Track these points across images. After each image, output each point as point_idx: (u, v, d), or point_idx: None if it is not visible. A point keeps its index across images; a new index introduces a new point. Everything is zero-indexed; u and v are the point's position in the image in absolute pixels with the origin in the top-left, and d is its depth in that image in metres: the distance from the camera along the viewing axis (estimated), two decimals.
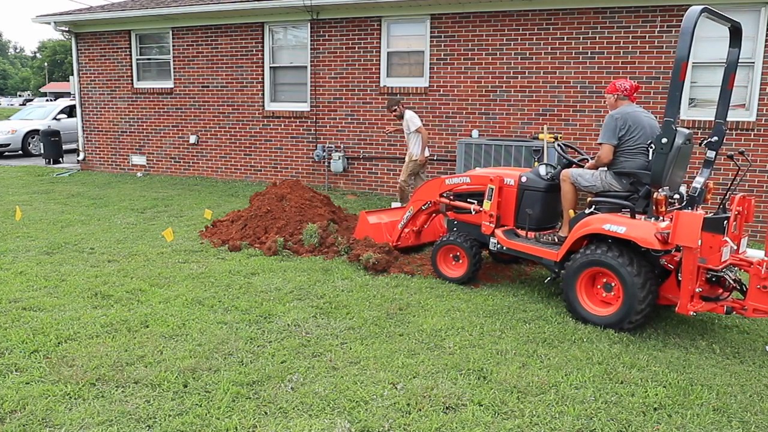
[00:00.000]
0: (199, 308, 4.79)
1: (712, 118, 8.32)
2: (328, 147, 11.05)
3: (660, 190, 4.51)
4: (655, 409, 3.40)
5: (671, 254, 4.61)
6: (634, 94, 5.03)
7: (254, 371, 3.69)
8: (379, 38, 10.39)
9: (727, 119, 4.84)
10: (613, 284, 4.59)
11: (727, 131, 8.32)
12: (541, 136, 8.38)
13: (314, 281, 5.56)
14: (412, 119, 8.50)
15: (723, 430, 3.22)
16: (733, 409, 3.42)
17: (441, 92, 10.03)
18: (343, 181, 11.09)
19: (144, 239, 7.09)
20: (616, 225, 4.50)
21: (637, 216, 4.60)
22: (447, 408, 3.34)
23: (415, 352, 4.06)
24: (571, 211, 5.12)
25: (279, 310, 4.79)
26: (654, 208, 4.51)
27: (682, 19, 8.44)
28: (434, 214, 6.52)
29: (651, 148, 4.61)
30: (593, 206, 4.92)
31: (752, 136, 8.32)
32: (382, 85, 10.40)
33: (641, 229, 4.38)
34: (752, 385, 3.74)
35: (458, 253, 5.69)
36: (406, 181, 8.75)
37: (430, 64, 10.05)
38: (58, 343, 4.04)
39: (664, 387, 3.65)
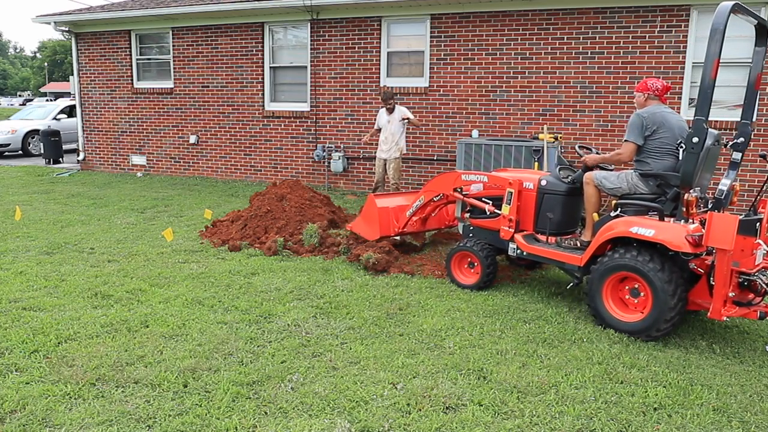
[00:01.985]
0: (199, 308, 4.79)
1: (720, 118, 8.37)
2: (328, 147, 11.05)
3: (691, 191, 4.36)
4: (655, 409, 3.40)
5: (701, 258, 4.40)
6: (665, 95, 4.86)
7: (254, 371, 3.69)
8: (379, 38, 10.39)
9: (739, 120, 4.71)
10: (640, 290, 4.41)
11: (723, 130, 8.34)
12: (541, 136, 8.39)
13: (314, 281, 5.56)
14: (406, 112, 8.57)
15: (723, 430, 3.22)
16: (733, 409, 3.42)
17: (441, 92, 10.03)
18: (343, 181, 11.09)
19: (144, 239, 7.09)
20: (644, 228, 4.31)
21: (666, 219, 4.45)
22: (447, 408, 3.34)
23: (415, 352, 4.06)
24: (595, 215, 4.96)
25: (279, 310, 4.79)
26: (684, 210, 4.34)
27: (682, 19, 8.50)
28: (443, 206, 6.38)
29: (681, 148, 4.46)
30: (619, 209, 4.76)
31: (752, 136, 8.30)
32: (382, 85, 10.40)
33: (671, 232, 4.21)
34: (752, 385, 3.74)
35: (473, 261, 5.54)
36: (398, 180, 8.78)
37: (430, 64, 10.05)
38: (58, 343, 4.04)
39: (664, 387, 3.65)
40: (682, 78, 8.60)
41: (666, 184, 4.58)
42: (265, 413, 3.24)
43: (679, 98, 8.63)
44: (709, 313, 4.15)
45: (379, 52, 10.42)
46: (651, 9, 8.59)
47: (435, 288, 5.50)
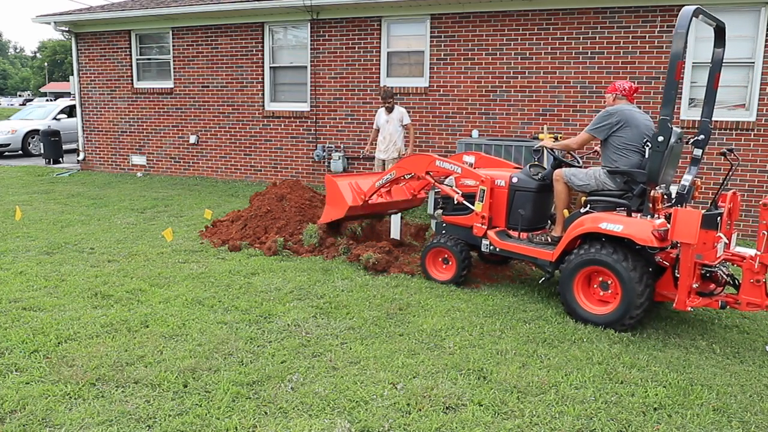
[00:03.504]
0: (199, 308, 4.79)
1: (720, 118, 8.36)
2: (328, 147, 11.05)
3: (657, 188, 4.55)
4: (655, 409, 3.40)
5: (666, 251, 4.65)
6: (633, 95, 5.05)
7: (254, 371, 3.69)
8: (379, 38, 10.39)
9: (721, 119, 4.92)
10: (610, 282, 4.61)
11: (722, 130, 8.34)
12: (541, 136, 8.38)
13: (314, 281, 5.56)
14: (405, 114, 8.56)
15: (723, 430, 3.22)
16: (733, 409, 3.42)
17: (441, 92, 10.03)
18: None
19: (144, 239, 7.09)
20: (613, 223, 4.51)
21: (633, 214, 4.63)
22: (447, 408, 3.34)
23: (415, 352, 4.06)
24: (566, 211, 5.13)
25: (279, 310, 4.79)
26: (650, 205, 4.55)
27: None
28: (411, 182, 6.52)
29: (647, 146, 4.65)
30: (588, 205, 4.93)
31: (752, 136, 8.31)
32: (382, 85, 10.39)
33: (638, 227, 4.41)
34: (752, 385, 3.74)
35: (447, 256, 5.66)
36: None
37: (430, 64, 10.05)
38: (58, 343, 4.04)
39: (664, 387, 3.65)
40: (682, 78, 8.59)
41: (632, 180, 4.73)
42: (265, 413, 3.24)
43: (679, 98, 8.62)
44: (674, 304, 4.34)
45: (379, 52, 10.42)
46: (651, 9, 8.59)
47: (435, 288, 5.50)
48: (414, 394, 3.45)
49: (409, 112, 9.08)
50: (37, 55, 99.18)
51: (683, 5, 8.85)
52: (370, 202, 6.43)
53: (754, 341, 4.51)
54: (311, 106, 11.13)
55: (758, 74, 8.18)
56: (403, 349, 4.10)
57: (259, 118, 11.68)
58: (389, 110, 8.53)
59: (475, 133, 9.78)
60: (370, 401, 3.37)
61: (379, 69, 10.46)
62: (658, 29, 8.60)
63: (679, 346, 4.34)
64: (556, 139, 8.57)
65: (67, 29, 13.21)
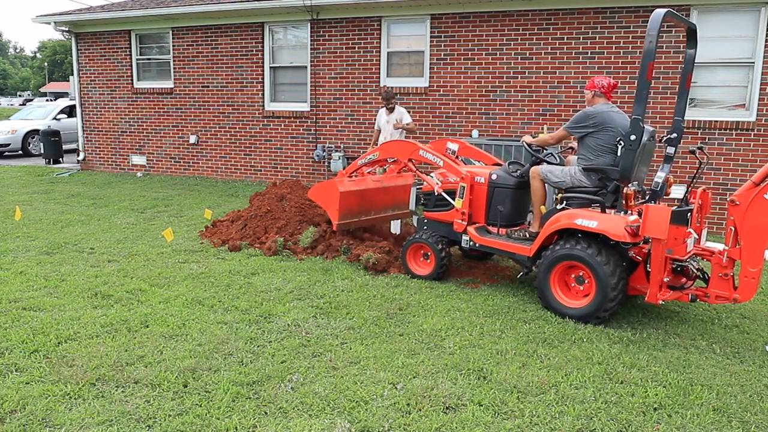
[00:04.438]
0: (199, 308, 4.79)
1: (712, 118, 8.38)
2: (328, 147, 11.05)
3: (630, 185, 4.65)
4: (655, 409, 3.40)
5: (639, 246, 4.79)
6: (611, 92, 5.12)
7: (254, 371, 3.69)
8: (379, 38, 10.39)
9: (686, 117, 5.02)
10: (584, 277, 4.72)
11: (722, 130, 8.35)
12: (541, 135, 8.38)
13: (314, 281, 5.56)
14: (405, 114, 8.55)
15: (723, 430, 3.22)
16: (733, 409, 3.42)
17: (441, 92, 10.03)
18: None
19: (144, 239, 7.09)
20: (588, 220, 4.64)
21: (607, 210, 4.76)
22: (447, 408, 3.34)
23: (415, 352, 4.06)
24: (543, 207, 5.22)
25: (279, 310, 4.79)
26: (624, 202, 4.67)
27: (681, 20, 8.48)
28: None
29: (620, 145, 4.74)
30: (564, 202, 5.04)
31: (752, 136, 8.32)
32: (382, 85, 10.39)
33: (612, 223, 4.54)
34: (752, 385, 3.74)
35: (427, 252, 5.74)
36: None
37: (430, 64, 10.05)
38: (58, 343, 4.04)
39: (664, 387, 3.65)
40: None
41: (606, 177, 4.82)
42: (265, 413, 3.24)
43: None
44: (646, 298, 4.48)
45: (379, 52, 10.42)
46: (651, 9, 8.58)
47: (435, 288, 5.50)
48: (414, 394, 3.45)
49: (409, 112, 9.08)
50: (37, 55, 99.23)
51: (683, 5, 8.84)
52: (352, 179, 6.56)
53: (754, 341, 4.51)
54: (311, 106, 11.13)
55: (758, 74, 8.19)
56: (403, 349, 4.10)
57: (259, 118, 11.68)
58: (390, 111, 8.52)
59: (475, 133, 9.78)
60: (370, 401, 3.37)
61: (379, 69, 10.46)
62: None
63: (679, 346, 4.34)
64: None
65: (67, 29, 13.21)
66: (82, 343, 4.03)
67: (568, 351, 4.15)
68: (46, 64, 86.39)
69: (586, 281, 4.73)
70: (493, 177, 5.51)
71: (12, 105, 53.27)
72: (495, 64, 9.60)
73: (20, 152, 17.17)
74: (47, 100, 37.91)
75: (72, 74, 13.89)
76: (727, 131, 8.39)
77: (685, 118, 8.64)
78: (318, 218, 7.01)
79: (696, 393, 3.58)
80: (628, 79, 8.84)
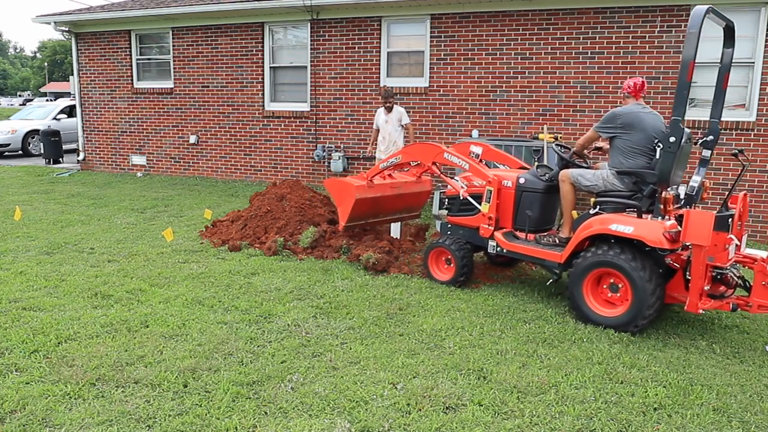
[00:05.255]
0: (199, 308, 4.78)
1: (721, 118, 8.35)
2: (328, 147, 11.05)
3: (669, 188, 4.49)
4: (655, 409, 3.40)
5: (677, 253, 4.60)
6: (641, 92, 4.96)
7: (254, 371, 3.69)
8: (379, 38, 10.39)
9: (722, 119, 4.86)
10: (620, 285, 4.55)
11: (722, 130, 8.34)
12: (541, 136, 8.39)
13: (314, 281, 5.56)
14: (404, 114, 8.56)
15: (723, 430, 3.22)
16: (733, 409, 3.42)
17: (441, 92, 10.03)
18: None
19: (144, 239, 7.09)
20: (623, 225, 4.46)
21: (643, 215, 4.58)
22: (447, 408, 3.34)
23: (415, 352, 4.06)
24: (575, 212, 5.07)
25: (279, 310, 4.79)
26: (661, 207, 4.48)
27: (682, 19, 8.49)
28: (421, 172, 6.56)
29: (659, 147, 4.56)
30: (597, 206, 4.87)
31: (752, 136, 8.32)
32: (382, 85, 10.39)
33: (649, 229, 4.36)
34: (752, 385, 3.74)
35: (449, 257, 5.61)
36: None
37: (430, 64, 10.05)
38: (58, 343, 4.04)
39: (664, 387, 3.65)
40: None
41: (642, 181, 4.68)
42: (265, 413, 3.24)
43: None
44: (686, 306, 4.31)
45: (379, 52, 10.42)
46: (651, 9, 8.59)
47: (435, 288, 5.50)
48: (414, 394, 3.45)
49: (409, 112, 9.08)
50: (37, 55, 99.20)
51: (683, 5, 8.85)
52: (375, 181, 6.39)
53: (754, 341, 4.51)
54: (311, 106, 11.13)
55: (758, 74, 8.19)
56: (403, 349, 4.10)
57: (259, 118, 11.68)
58: (389, 110, 8.51)
59: (475, 133, 9.78)
60: (370, 401, 3.37)
61: (379, 69, 10.46)
62: (658, 29, 8.60)
63: (679, 346, 4.34)
64: (556, 138, 8.58)
65: (67, 29, 13.21)
66: (82, 343, 4.03)
67: (568, 351, 4.15)
68: (46, 64, 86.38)
69: (620, 289, 4.55)
70: (521, 181, 5.35)
71: (12, 105, 53.28)
72: (495, 64, 9.60)
73: (20, 152, 17.17)
74: (47, 100, 37.92)
75: (72, 74, 13.88)
76: (727, 131, 8.39)
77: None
78: (318, 218, 7.01)
79: (696, 393, 3.58)
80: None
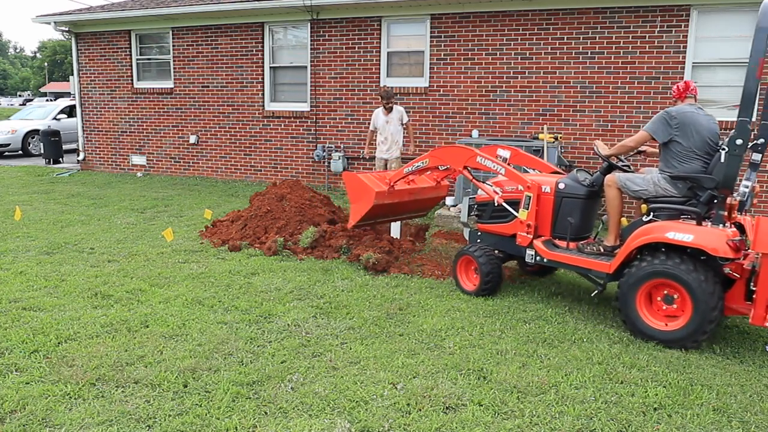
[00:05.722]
0: (199, 308, 4.79)
1: (720, 118, 8.31)
2: (328, 147, 11.05)
3: (734, 194, 4.23)
4: (655, 409, 3.40)
5: (738, 262, 4.28)
6: (685, 95, 4.72)
7: (254, 371, 3.69)
8: (379, 38, 10.39)
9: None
10: (675, 296, 4.27)
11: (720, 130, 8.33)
12: (541, 136, 8.38)
13: (314, 281, 5.56)
14: (403, 113, 8.55)
15: (723, 430, 3.22)
16: (733, 409, 3.42)
17: (441, 92, 10.03)
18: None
19: (144, 239, 7.09)
20: (682, 233, 4.15)
21: (703, 222, 4.30)
22: (447, 408, 3.34)
23: (415, 352, 4.06)
24: (624, 219, 4.80)
25: (279, 310, 4.79)
26: (725, 213, 4.21)
27: (682, 19, 8.49)
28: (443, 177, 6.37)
29: (723, 150, 4.24)
30: (651, 213, 4.58)
31: (752, 136, 8.29)
32: (382, 85, 10.39)
33: (711, 237, 4.06)
34: (752, 385, 3.74)
35: (476, 267, 5.32)
36: None
37: (430, 64, 10.05)
38: (58, 343, 4.04)
39: (664, 387, 3.65)
40: (682, 78, 8.59)
41: (698, 186, 4.41)
42: (265, 413, 3.24)
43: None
44: (750, 319, 4.06)
45: (379, 52, 10.42)
46: (651, 9, 8.59)
47: (435, 288, 5.50)
48: (414, 394, 3.45)
49: (409, 112, 9.09)
50: (37, 55, 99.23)
51: (683, 5, 8.84)
52: (396, 187, 6.19)
53: (754, 341, 4.51)
54: (311, 106, 11.13)
55: None
56: (403, 349, 4.10)
57: (259, 118, 11.68)
58: (389, 110, 8.50)
59: (475, 133, 9.78)
60: (370, 401, 3.37)
61: (379, 69, 10.46)
62: (658, 29, 8.59)
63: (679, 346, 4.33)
64: (556, 139, 8.58)
65: (67, 29, 13.21)
66: (82, 343, 4.03)
67: (568, 351, 4.15)
68: (46, 64, 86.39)
69: (676, 301, 4.24)
70: (561, 186, 5.03)
71: (12, 105, 53.30)
72: (495, 64, 9.60)
73: (20, 152, 17.17)
74: (47, 100, 37.92)
75: (72, 74, 13.89)
76: (728, 131, 8.38)
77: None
78: (318, 218, 7.01)
79: (696, 393, 3.58)
80: (627, 79, 8.83)
